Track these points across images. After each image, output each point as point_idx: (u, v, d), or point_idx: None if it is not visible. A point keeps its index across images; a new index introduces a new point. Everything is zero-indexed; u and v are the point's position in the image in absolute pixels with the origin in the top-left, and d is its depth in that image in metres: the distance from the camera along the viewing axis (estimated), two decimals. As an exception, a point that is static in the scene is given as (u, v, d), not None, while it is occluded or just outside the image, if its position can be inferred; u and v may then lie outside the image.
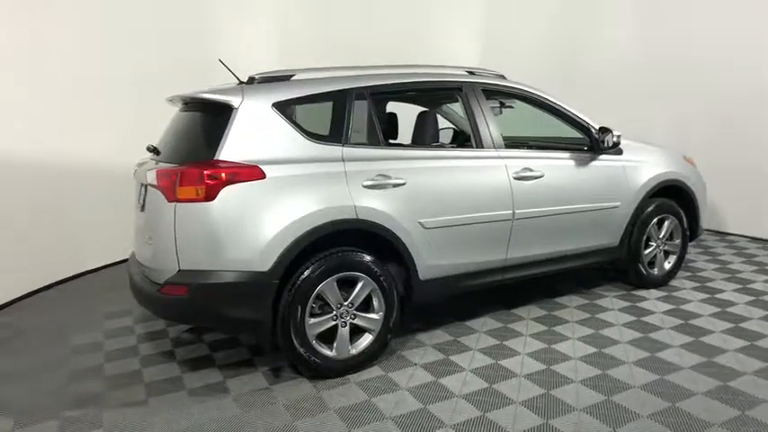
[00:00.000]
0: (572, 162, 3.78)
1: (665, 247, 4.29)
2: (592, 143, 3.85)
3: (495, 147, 3.49)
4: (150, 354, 3.39)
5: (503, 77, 3.83)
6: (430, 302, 3.48)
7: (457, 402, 2.72)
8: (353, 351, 3.04)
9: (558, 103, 3.84)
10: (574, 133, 3.93)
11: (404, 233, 3.08)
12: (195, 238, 2.70)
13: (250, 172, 2.73)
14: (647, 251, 4.19)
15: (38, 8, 4.42)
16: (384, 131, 3.36)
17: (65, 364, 3.28)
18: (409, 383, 2.93)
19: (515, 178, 3.48)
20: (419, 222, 3.13)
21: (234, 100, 2.85)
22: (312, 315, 2.91)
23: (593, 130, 3.83)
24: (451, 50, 6.91)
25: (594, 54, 6.72)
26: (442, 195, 3.23)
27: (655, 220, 4.14)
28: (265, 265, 2.73)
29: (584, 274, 4.56)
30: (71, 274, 4.95)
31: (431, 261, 3.22)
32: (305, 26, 6.46)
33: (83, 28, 4.77)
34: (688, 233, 4.37)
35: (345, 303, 2.99)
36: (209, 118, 2.94)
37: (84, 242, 4.97)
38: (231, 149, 2.77)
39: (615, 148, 3.90)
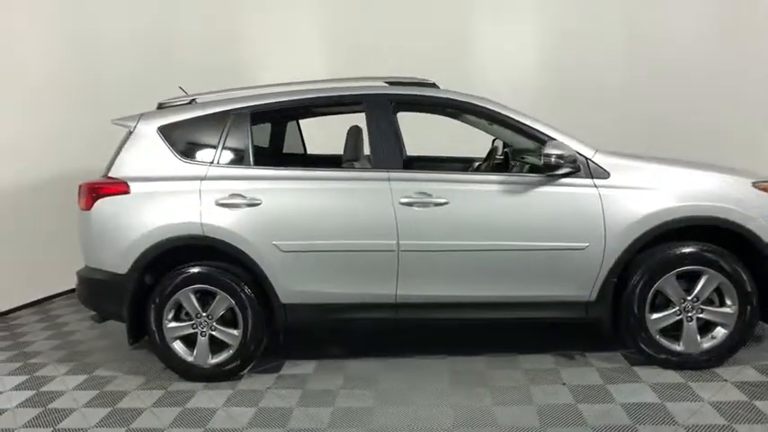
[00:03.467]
0: (500, 187, 3.01)
1: (702, 314, 2.97)
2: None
3: (387, 167, 3.08)
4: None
5: (433, 86, 3.28)
6: (300, 327, 3.35)
7: None
8: (211, 361, 3.19)
9: (506, 113, 3.09)
10: None
11: (256, 254, 3.06)
12: (85, 241, 3.30)
13: (116, 187, 3.17)
14: (658, 315, 2.98)
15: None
16: (273, 149, 3.35)
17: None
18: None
19: (403, 204, 3.00)
20: (275, 244, 3.06)
21: (131, 124, 3.32)
22: (176, 320, 3.20)
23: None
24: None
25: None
26: (301, 218, 3.06)
27: (673, 273, 2.92)
28: (123, 268, 3.14)
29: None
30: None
31: (291, 286, 3.10)
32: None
33: (39, 42, 4.87)
34: (755, 303, 2.92)
35: (205, 315, 3.16)
36: (123, 139, 3.50)
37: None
38: (120, 166, 3.26)
39: (579, 170, 2.94)
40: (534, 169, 3.14)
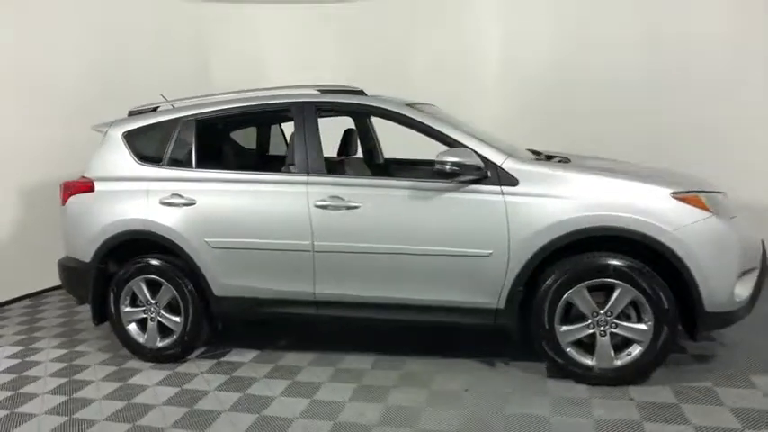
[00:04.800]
0: (409, 192, 3.06)
1: (616, 330, 2.87)
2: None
3: (308, 171, 3.24)
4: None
5: (360, 93, 3.39)
6: (232, 319, 3.60)
7: None
8: (159, 344, 3.55)
9: (418, 119, 3.15)
10: None
11: (191, 249, 3.36)
12: (63, 232, 3.77)
13: (83, 186, 3.61)
14: (569, 327, 2.92)
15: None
16: (223, 153, 3.62)
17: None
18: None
19: (318, 207, 3.16)
20: (206, 241, 3.34)
21: (104, 129, 3.74)
22: (133, 305, 3.58)
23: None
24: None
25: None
26: (227, 217, 3.30)
27: (583, 285, 2.85)
28: (87, 257, 3.57)
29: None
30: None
31: (222, 280, 3.36)
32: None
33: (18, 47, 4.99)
34: (672, 319, 2.78)
35: (153, 302, 3.53)
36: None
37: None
38: (92, 167, 3.69)
39: (491, 177, 2.94)
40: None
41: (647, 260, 2.80)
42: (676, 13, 5.09)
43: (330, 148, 4.13)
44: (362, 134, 4.48)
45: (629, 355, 2.88)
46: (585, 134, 5.51)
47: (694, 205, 2.77)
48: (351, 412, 2.82)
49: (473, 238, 2.95)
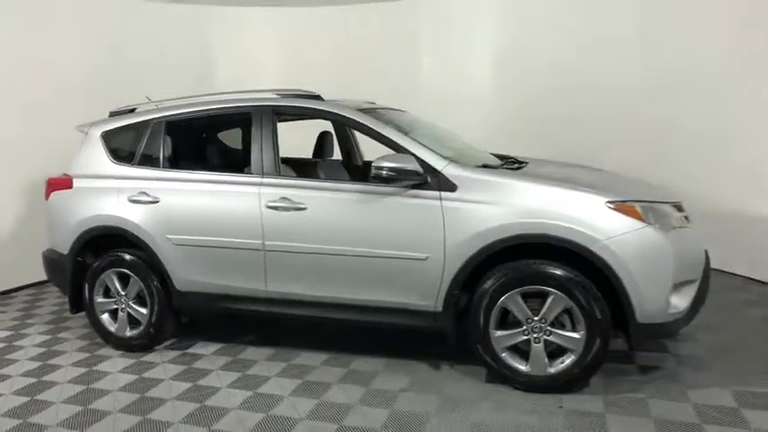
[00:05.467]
0: (352, 195, 3.15)
1: (550, 337, 2.88)
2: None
3: (263, 173, 3.37)
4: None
5: (317, 98, 3.49)
6: (194, 313, 3.76)
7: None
8: (128, 334, 3.75)
9: (370, 125, 3.23)
10: None
11: (155, 245, 3.54)
12: (46, 226, 4.02)
13: (63, 182, 3.84)
14: (504, 333, 2.95)
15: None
16: (184, 155, 3.78)
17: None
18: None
19: (269, 207, 3.28)
20: (168, 237, 3.51)
21: (86, 130, 3.97)
22: (106, 296, 3.79)
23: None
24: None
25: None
26: (187, 216, 3.46)
27: (516, 291, 2.88)
28: (65, 250, 3.80)
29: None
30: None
31: (183, 275, 3.53)
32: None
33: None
34: (605, 329, 2.78)
35: (124, 294, 3.73)
36: None
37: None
38: (74, 165, 3.92)
39: (429, 183, 3.00)
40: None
41: (586, 270, 2.80)
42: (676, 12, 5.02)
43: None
44: (341, 137, 4.59)
45: (563, 363, 2.88)
46: (583, 138, 5.53)
47: (628, 215, 2.76)
48: (286, 406, 2.93)
49: (411, 242, 3.01)
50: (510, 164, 3.52)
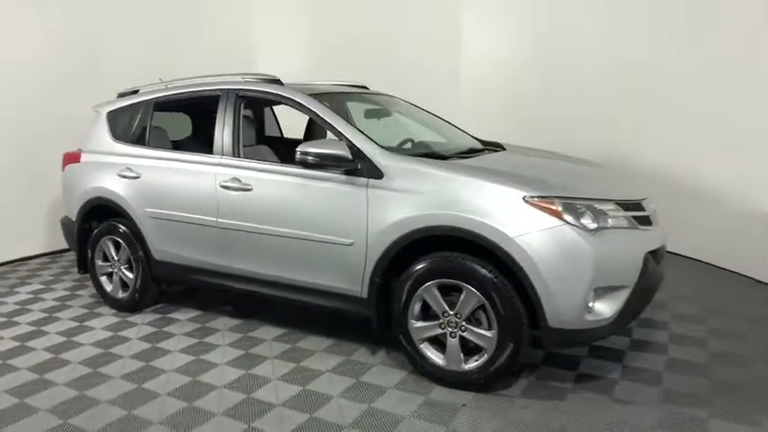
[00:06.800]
0: (291, 179, 3.22)
1: (465, 333, 2.81)
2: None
3: (223, 153, 3.54)
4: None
5: (277, 83, 3.57)
6: (168, 282, 4.05)
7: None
8: (120, 295, 4.16)
9: (315, 110, 3.28)
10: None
11: (136, 216, 3.88)
12: (62, 194, 4.52)
13: (74, 156, 4.30)
14: (422, 324, 2.91)
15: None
16: (166, 134, 4.05)
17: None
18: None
19: (222, 187, 3.46)
20: (146, 210, 3.83)
21: (98, 109, 4.41)
22: (104, 260, 4.23)
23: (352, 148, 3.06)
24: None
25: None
26: (160, 191, 3.74)
27: (433, 283, 2.83)
28: (74, 217, 4.28)
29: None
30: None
31: (159, 246, 3.84)
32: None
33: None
34: (516, 329, 2.66)
35: (116, 260, 4.14)
36: None
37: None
38: (86, 141, 4.38)
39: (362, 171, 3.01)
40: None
41: (507, 267, 2.66)
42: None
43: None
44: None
45: (477, 361, 2.79)
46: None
47: (546, 211, 2.58)
48: (215, 374, 3.12)
49: (340, 227, 3.04)
50: (479, 152, 3.54)
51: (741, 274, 4.59)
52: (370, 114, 3.88)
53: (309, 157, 2.99)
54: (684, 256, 5.11)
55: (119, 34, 6.12)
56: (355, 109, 3.88)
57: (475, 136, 4.22)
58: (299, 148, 3.01)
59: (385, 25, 6.73)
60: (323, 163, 3.01)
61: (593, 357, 3.18)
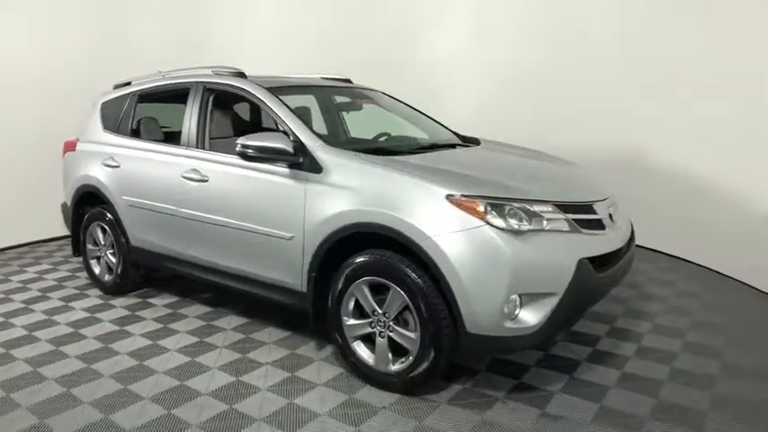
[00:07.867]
0: (242, 171, 3.24)
1: (392, 334, 2.75)
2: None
3: (188, 144, 3.62)
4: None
5: (241, 76, 3.59)
6: (145, 268, 4.18)
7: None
8: (106, 279, 4.35)
9: (268, 104, 3.29)
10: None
11: (116, 204, 4.04)
12: (62, 180, 4.77)
13: (72, 144, 4.53)
14: (352, 322, 2.87)
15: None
16: (145, 126, 4.16)
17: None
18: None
19: (183, 177, 3.53)
20: (124, 198, 3.98)
21: (95, 100, 4.61)
22: (93, 245, 4.44)
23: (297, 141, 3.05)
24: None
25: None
26: (135, 180, 3.87)
27: (362, 281, 2.78)
28: (70, 201, 4.52)
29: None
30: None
31: (135, 233, 3.98)
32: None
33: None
34: (437, 333, 2.57)
35: (103, 245, 4.34)
36: None
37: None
38: (86, 130, 4.60)
39: (302, 164, 2.99)
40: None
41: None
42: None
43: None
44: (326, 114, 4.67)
45: (402, 363, 2.72)
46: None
47: (467, 211, 2.47)
48: (162, 359, 3.21)
49: (281, 221, 3.04)
50: (449, 147, 3.51)
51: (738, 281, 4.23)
52: (340, 108, 3.86)
53: (249, 150, 3.00)
54: (683, 259, 4.76)
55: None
56: (326, 103, 3.86)
57: (454, 131, 4.10)
58: (240, 141, 3.02)
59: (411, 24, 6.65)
60: (263, 156, 3.01)
61: (543, 367, 3.02)
